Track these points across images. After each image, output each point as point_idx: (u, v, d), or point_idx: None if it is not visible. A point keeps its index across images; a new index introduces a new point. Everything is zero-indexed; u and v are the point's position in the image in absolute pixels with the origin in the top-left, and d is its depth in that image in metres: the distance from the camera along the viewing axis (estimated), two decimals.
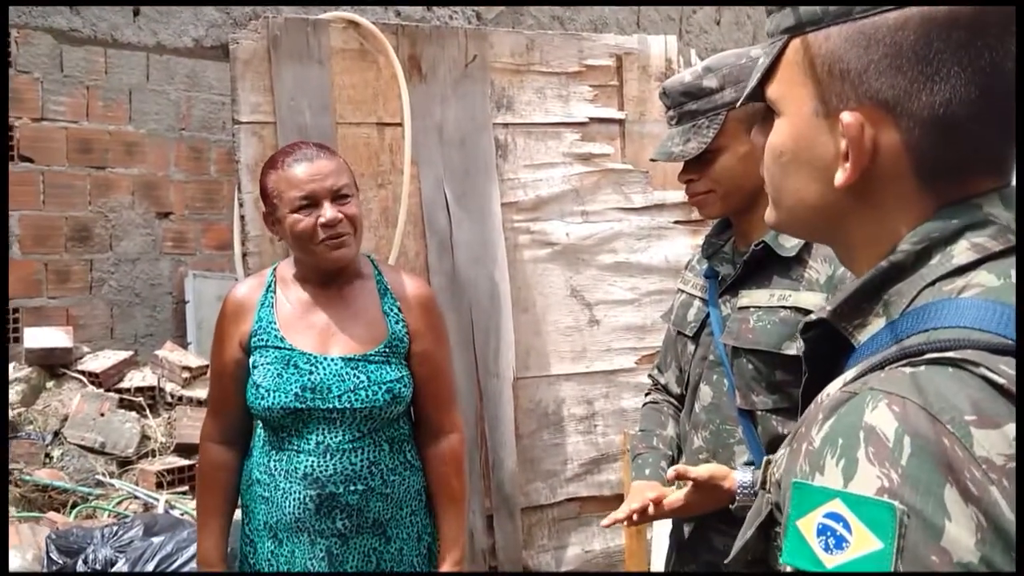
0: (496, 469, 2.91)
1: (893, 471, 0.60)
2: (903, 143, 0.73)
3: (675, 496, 1.61)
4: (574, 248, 3.05)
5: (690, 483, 1.57)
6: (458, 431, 2.02)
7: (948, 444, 0.60)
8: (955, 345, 0.65)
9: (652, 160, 1.71)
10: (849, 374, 0.72)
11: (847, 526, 0.61)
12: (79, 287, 5.67)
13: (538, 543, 3.01)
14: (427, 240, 2.85)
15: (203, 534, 1.96)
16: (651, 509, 1.61)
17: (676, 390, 1.84)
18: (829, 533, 0.62)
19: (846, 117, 0.73)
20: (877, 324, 0.74)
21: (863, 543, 0.60)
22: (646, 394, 1.95)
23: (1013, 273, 0.69)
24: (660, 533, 2.52)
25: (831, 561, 0.61)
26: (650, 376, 1.96)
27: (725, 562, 0.91)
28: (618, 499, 2.93)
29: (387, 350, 1.89)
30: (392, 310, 1.93)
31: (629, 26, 3.73)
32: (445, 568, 1.93)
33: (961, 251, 0.71)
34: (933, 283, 0.71)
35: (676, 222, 3.19)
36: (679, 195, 3.19)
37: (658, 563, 2.53)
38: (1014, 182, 0.77)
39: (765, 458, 0.90)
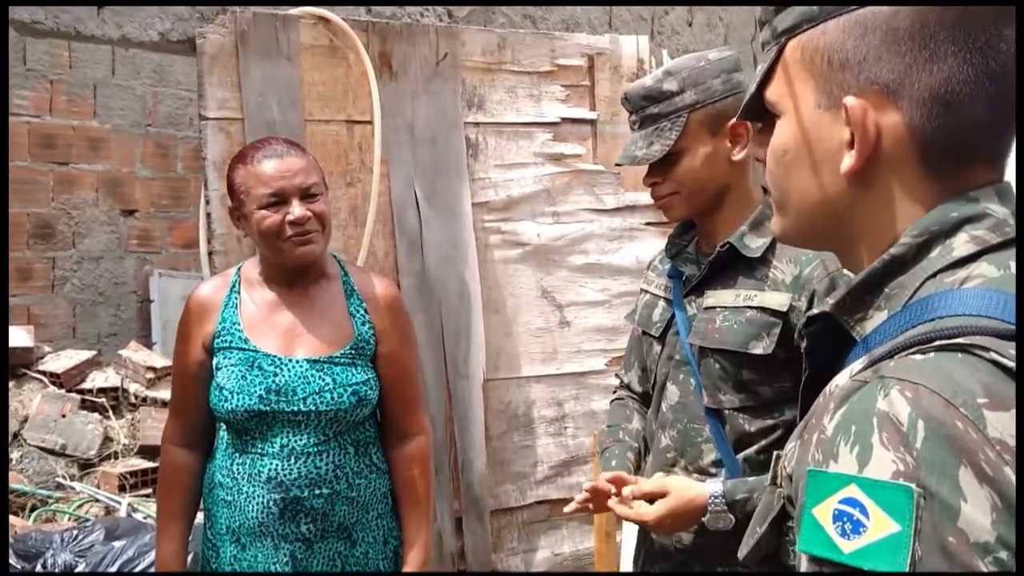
0: (465, 471, 2.89)
1: (908, 455, 0.61)
2: (905, 125, 0.74)
3: (648, 485, 1.61)
4: (545, 249, 3.03)
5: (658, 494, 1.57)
6: (425, 433, 2.01)
7: (962, 427, 0.61)
8: (963, 332, 0.66)
9: (617, 164, 1.73)
10: (857, 365, 0.73)
11: (864, 511, 0.62)
12: (41, 285, 5.57)
13: (507, 546, 2.99)
14: (397, 240, 2.82)
15: (162, 539, 1.92)
16: (613, 490, 1.61)
17: (639, 388, 1.88)
18: (845, 519, 0.63)
19: (850, 101, 0.75)
20: (879, 317, 0.76)
21: (880, 527, 0.61)
22: (613, 392, 1.99)
23: (1012, 264, 0.70)
24: (629, 536, 2.51)
25: (849, 546, 0.62)
26: (616, 375, 1.99)
27: (740, 558, 0.91)
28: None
29: (353, 352, 1.87)
30: (358, 311, 1.91)
31: (601, 26, 3.72)
32: (408, 571, 1.91)
33: (961, 244, 0.73)
34: (934, 275, 0.73)
35: (647, 223, 3.19)
36: (650, 197, 3.18)
37: (627, 566, 2.52)
38: (1007, 177, 0.78)
39: (775, 453, 0.91)
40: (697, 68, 1.61)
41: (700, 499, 1.53)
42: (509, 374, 2.98)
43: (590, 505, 1.66)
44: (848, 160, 0.76)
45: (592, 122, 3.11)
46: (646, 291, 1.84)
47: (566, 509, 1.72)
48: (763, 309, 1.55)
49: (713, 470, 1.62)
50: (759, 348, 1.55)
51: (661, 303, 1.76)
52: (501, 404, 2.97)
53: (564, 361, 3.06)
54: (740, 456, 1.59)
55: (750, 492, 1.51)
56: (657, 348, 1.75)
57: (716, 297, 1.63)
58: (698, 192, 1.63)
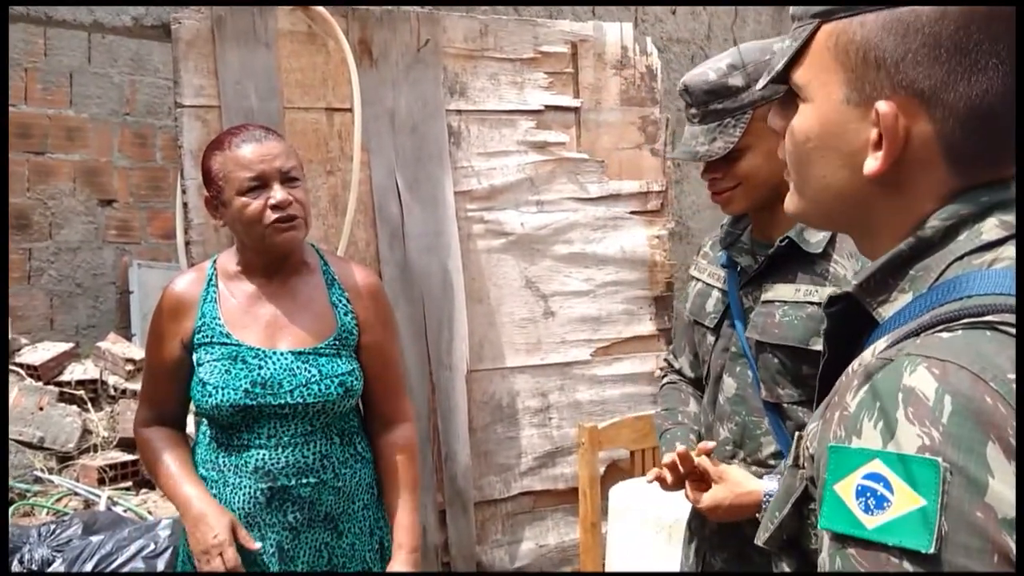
0: (449, 463, 2.87)
1: (934, 429, 0.60)
2: (936, 133, 0.73)
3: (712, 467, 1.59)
4: (529, 238, 3.01)
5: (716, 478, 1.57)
6: (410, 420, 1.99)
7: (991, 402, 0.60)
8: (992, 309, 0.65)
9: (673, 159, 1.69)
10: (881, 343, 0.72)
11: (888, 485, 0.61)
12: (17, 276, 5.50)
13: (492, 538, 2.97)
14: (378, 229, 2.78)
15: (175, 486, 1.79)
16: (696, 452, 1.57)
17: (691, 374, 1.86)
18: (869, 494, 0.62)
19: (882, 107, 0.73)
20: (903, 299, 0.75)
21: (905, 501, 0.60)
22: (662, 376, 1.96)
23: None
24: (614, 528, 2.49)
25: (872, 522, 0.61)
26: (665, 360, 1.97)
27: (760, 543, 0.89)
28: (573, 492, 2.90)
29: (337, 342, 1.85)
30: (340, 301, 1.89)
31: (584, 13, 3.69)
32: (401, 558, 1.87)
33: (990, 228, 0.72)
34: (961, 258, 0.72)
35: (632, 212, 3.16)
36: (634, 185, 3.16)
37: (613, 559, 2.50)
38: None
39: (797, 434, 0.90)
40: (763, 62, 1.55)
41: (755, 496, 1.52)
42: (493, 365, 2.95)
43: (668, 477, 1.61)
44: (873, 163, 0.74)
45: (576, 110, 3.08)
46: (698, 279, 1.80)
47: (647, 479, 1.68)
48: None
49: (772, 462, 1.60)
50: (820, 344, 1.52)
51: (715, 293, 1.73)
52: (485, 395, 2.95)
53: (548, 352, 3.04)
54: None
55: None
56: (711, 339, 1.71)
57: (775, 291, 1.59)
58: (759, 187, 1.59)
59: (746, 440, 1.64)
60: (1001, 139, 0.73)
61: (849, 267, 1.54)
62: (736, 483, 1.54)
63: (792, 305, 1.56)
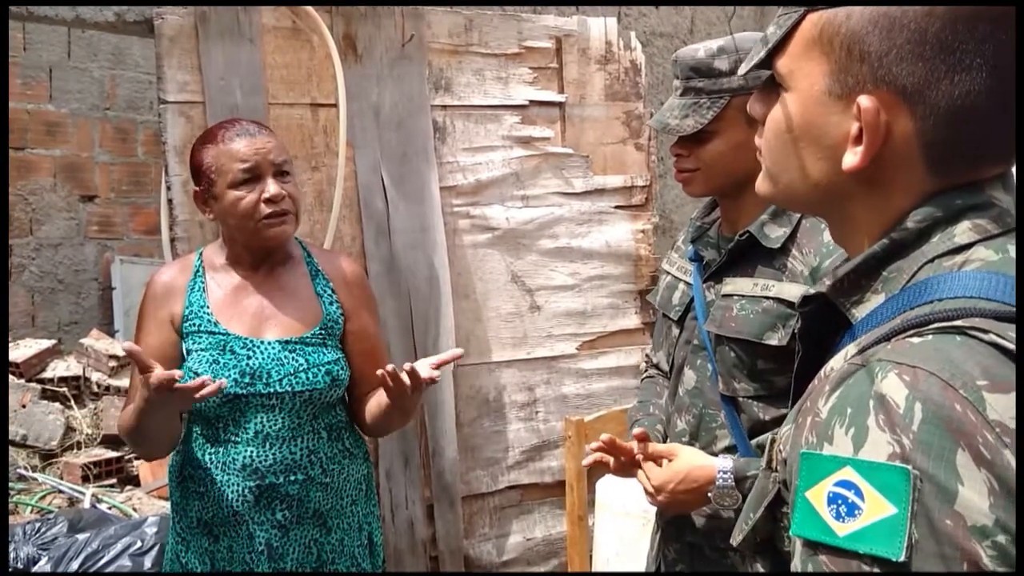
0: (436, 458, 2.87)
1: (904, 437, 0.60)
2: (916, 131, 0.73)
3: (660, 447, 1.61)
4: (514, 233, 3.01)
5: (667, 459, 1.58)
6: None
7: (960, 409, 0.60)
8: (962, 314, 0.65)
9: (648, 125, 1.68)
10: (852, 348, 0.72)
11: (859, 493, 0.61)
12: None
13: (479, 532, 2.98)
14: (363, 225, 2.78)
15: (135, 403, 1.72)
16: (637, 450, 1.59)
17: (666, 368, 1.86)
18: (840, 501, 0.62)
19: (864, 101, 0.73)
20: (875, 300, 0.75)
21: (876, 509, 0.60)
22: (644, 370, 1.98)
23: (1010, 248, 0.70)
24: (601, 521, 2.51)
25: (844, 529, 0.61)
26: (646, 355, 1.98)
27: (734, 544, 0.90)
28: (560, 486, 2.92)
29: (323, 332, 1.87)
30: (325, 291, 1.91)
31: (568, 8, 3.69)
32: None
33: (962, 231, 0.72)
34: (932, 260, 0.72)
35: (616, 207, 3.17)
36: (619, 180, 3.18)
37: (600, 551, 2.52)
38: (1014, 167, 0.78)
39: (770, 437, 0.90)
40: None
41: (708, 471, 1.52)
42: (479, 360, 2.96)
43: (610, 461, 1.63)
44: (852, 157, 0.74)
45: (560, 105, 3.09)
46: (668, 272, 1.82)
47: (584, 462, 1.70)
48: (779, 300, 1.52)
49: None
50: (774, 339, 1.52)
51: (681, 286, 1.74)
52: (472, 390, 2.95)
53: (535, 346, 3.05)
54: (754, 442, 1.57)
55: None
56: (676, 331, 1.73)
57: (734, 285, 1.60)
58: (721, 175, 1.59)
59: (701, 432, 1.65)
60: (981, 140, 0.73)
61: (807, 263, 1.53)
62: (688, 459, 1.55)
63: (749, 299, 1.56)
